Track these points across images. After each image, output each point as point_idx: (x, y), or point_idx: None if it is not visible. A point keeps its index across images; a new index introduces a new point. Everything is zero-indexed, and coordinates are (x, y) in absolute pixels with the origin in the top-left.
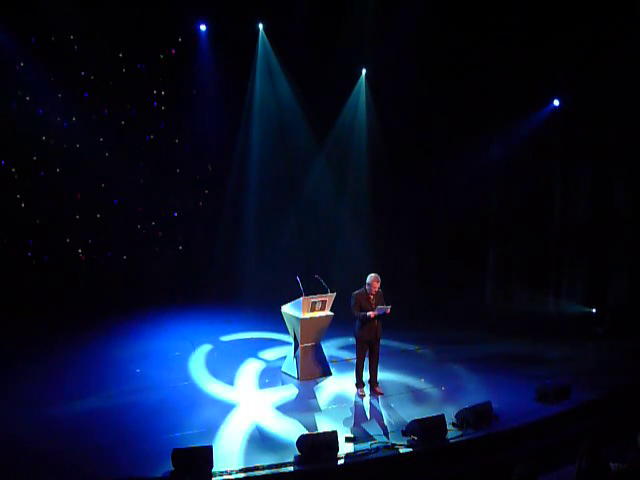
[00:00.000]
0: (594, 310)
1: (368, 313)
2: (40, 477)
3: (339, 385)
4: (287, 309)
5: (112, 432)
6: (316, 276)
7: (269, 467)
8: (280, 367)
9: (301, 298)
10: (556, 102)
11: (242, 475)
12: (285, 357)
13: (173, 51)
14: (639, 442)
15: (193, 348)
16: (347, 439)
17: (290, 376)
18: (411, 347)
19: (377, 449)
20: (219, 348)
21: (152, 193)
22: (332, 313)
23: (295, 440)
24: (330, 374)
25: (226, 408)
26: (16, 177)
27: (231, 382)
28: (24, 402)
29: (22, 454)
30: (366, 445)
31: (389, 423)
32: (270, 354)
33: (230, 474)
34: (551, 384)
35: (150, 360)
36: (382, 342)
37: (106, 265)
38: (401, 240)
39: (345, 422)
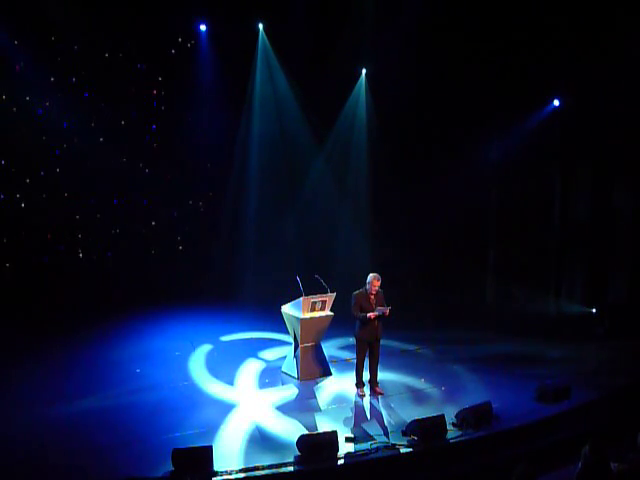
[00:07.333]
0: (594, 310)
1: (368, 314)
2: (40, 477)
3: (339, 385)
4: (287, 309)
5: (112, 432)
6: (316, 276)
7: (269, 467)
8: (280, 367)
9: (301, 298)
10: (556, 102)
11: (242, 475)
12: (285, 357)
13: (173, 51)
14: (639, 442)
15: (193, 348)
16: (347, 439)
17: (290, 376)
18: (411, 347)
19: (377, 449)
20: (219, 348)
21: (152, 193)
22: (332, 313)
23: (295, 440)
24: (330, 374)
25: (226, 408)
26: (16, 177)
27: (231, 382)
28: (24, 402)
29: (22, 454)
30: (366, 445)
31: (389, 423)
32: (270, 354)
33: (230, 474)
34: (551, 384)
35: (150, 360)
36: (382, 342)
37: (106, 265)
38: (401, 240)
39: (345, 422)
